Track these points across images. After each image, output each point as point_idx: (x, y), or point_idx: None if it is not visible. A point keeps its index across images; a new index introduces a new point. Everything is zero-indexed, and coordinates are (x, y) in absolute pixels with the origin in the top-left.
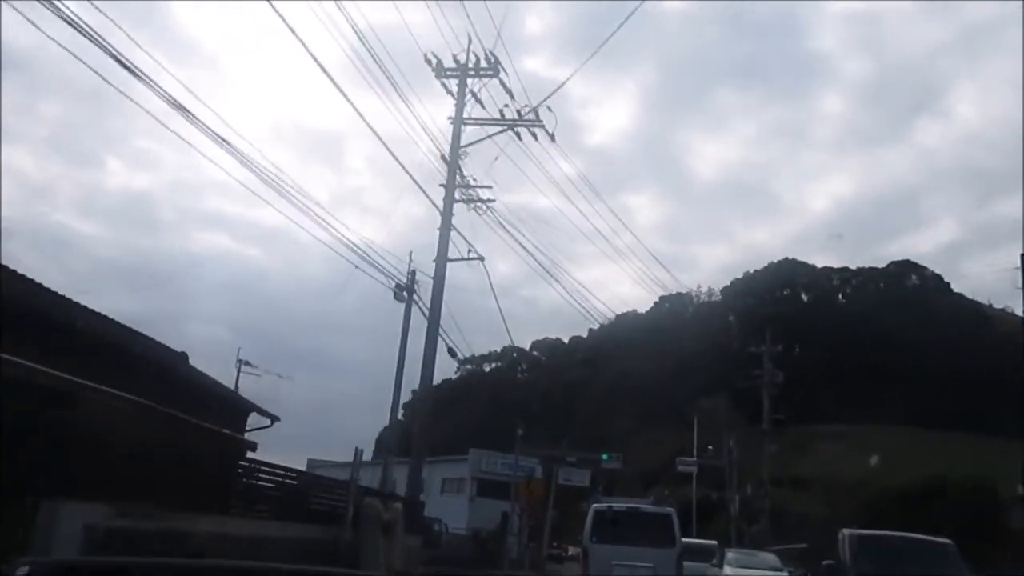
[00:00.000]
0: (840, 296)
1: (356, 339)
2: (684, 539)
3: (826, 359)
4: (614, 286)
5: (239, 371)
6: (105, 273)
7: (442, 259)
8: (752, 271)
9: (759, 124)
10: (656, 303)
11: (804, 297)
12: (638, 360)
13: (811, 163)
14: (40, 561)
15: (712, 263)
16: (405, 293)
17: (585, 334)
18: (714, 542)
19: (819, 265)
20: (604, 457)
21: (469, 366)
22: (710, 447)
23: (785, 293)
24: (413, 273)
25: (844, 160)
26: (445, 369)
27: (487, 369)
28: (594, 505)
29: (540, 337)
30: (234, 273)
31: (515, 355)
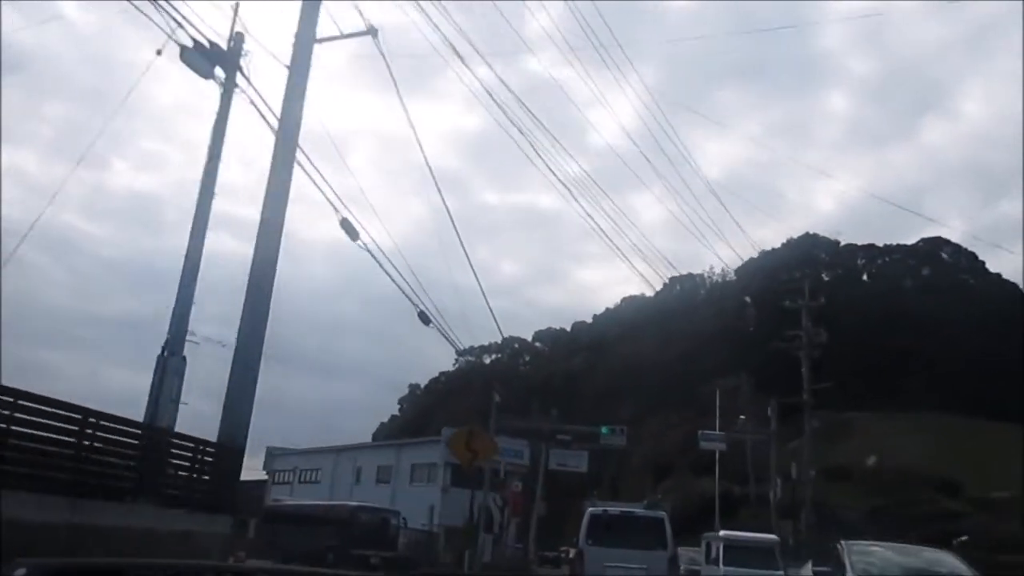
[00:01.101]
0: (865, 276)
1: None
2: (729, 532)
3: (852, 342)
4: (617, 284)
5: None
6: (111, 274)
7: (307, 24)
8: (769, 248)
9: (763, 123)
10: (666, 284)
11: (825, 276)
12: (646, 344)
13: (816, 162)
14: (36, 562)
15: (717, 262)
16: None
17: (590, 319)
18: (772, 537)
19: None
20: (603, 431)
21: (469, 358)
22: (742, 416)
23: (805, 272)
24: (239, 36)
25: (849, 159)
26: (443, 362)
27: (487, 361)
28: (589, 509)
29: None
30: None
31: (516, 346)
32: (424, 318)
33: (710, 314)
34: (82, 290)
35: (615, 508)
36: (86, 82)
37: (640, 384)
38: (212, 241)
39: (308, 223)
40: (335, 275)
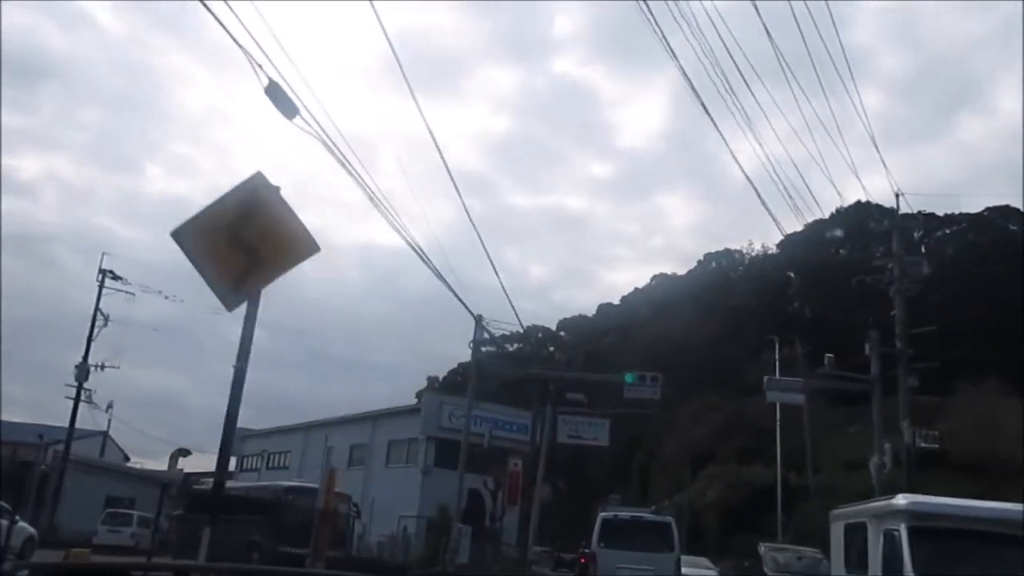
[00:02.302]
0: (922, 248)
1: None
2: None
3: (913, 319)
4: (647, 264)
5: (102, 285)
6: (146, 276)
7: None
8: (816, 219)
9: (794, 121)
10: (700, 262)
11: (879, 250)
12: (680, 323)
13: (848, 160)
14: (39, 564)
15: (757, 236)
16: None
17: (617, 300)
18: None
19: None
20: (628, 379)
21: (490, 348)
22: (829, 355)
23: (851, 246)
24: None
25: (884, 156)
26: (460, 354)
27: (511, 349)
28: (601, 514)
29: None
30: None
31: (540, 335)
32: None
33: (750, 289)
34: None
35: (625, 512)
36: (119, 88)
37: (673, 365)
38: None
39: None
40: (362, 278)
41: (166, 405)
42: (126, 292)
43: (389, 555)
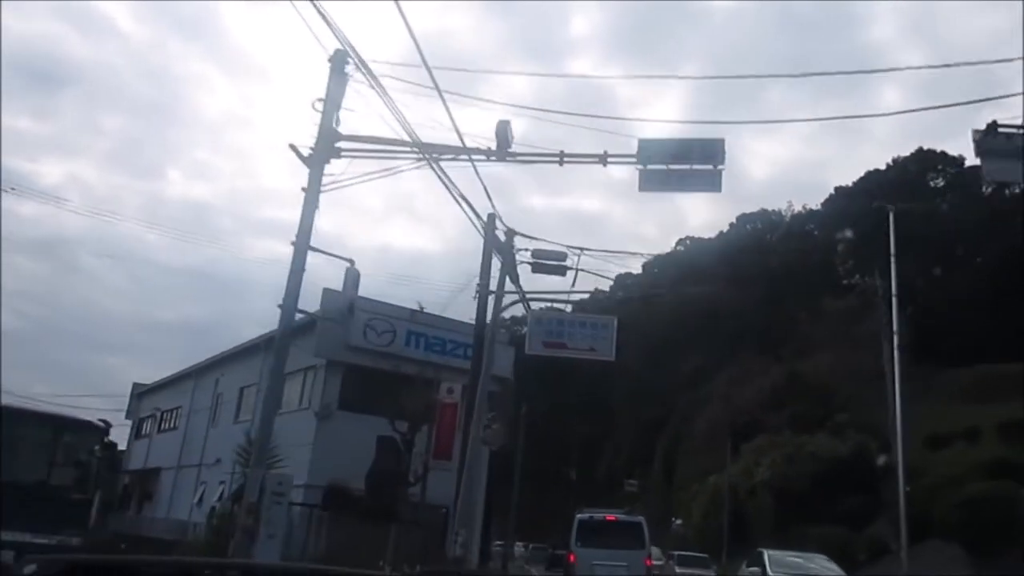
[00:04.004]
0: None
1: None
2: None
3: (979, 283)
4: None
5: None
6: (169, 280)
7: None
8: (869, 171)
9: (813, 120)
10: (733, 224)
11: (943, 207)
12: (711, 288)
13: (869, 159)
14: (47, 559)
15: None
16: None
17: (638, 268)
18: None
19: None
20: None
21: (501, 329)
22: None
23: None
24: None
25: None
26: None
27: (523, 332)
28: (578, 516)
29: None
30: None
31: None
32: None
33: (790, 249)
34: (140, 296)
35: (600, 514)
36: (141, 95)
37: (705, 333)
38: None
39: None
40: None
41: None
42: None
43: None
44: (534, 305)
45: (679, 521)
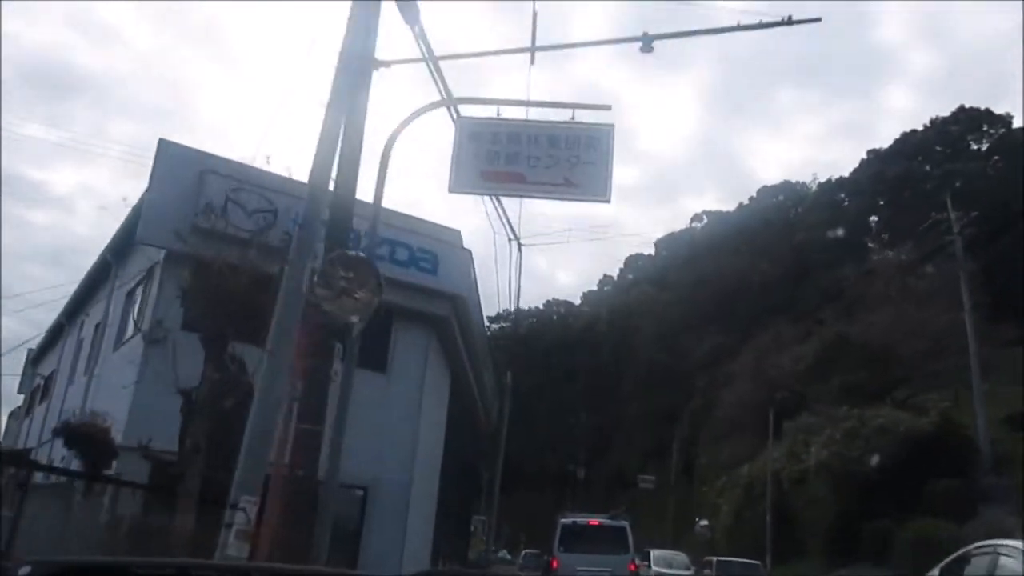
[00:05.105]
0: None
1: None
2: None
3: None
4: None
5: None
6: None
7: None
8: (905, 132)
9: (823, 123)
10: (752, 198)
11: (993, 167)
12: (732, 263)
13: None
14: (43, 560)
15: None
16: None
17: (648, 250)
18: None
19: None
20: None
21: (503, 324)
22: None
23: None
24: None
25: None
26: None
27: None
28: (561, 520)
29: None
30: None
31: (562, 310)
32: None
33: (816, 221)
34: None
35: (583, 518)
36: (150, 101)
37: (726, 309)
38: None
39: None
40: None
41: None
42: None
43: None
44: (471, 111)
45: (704, 522)
